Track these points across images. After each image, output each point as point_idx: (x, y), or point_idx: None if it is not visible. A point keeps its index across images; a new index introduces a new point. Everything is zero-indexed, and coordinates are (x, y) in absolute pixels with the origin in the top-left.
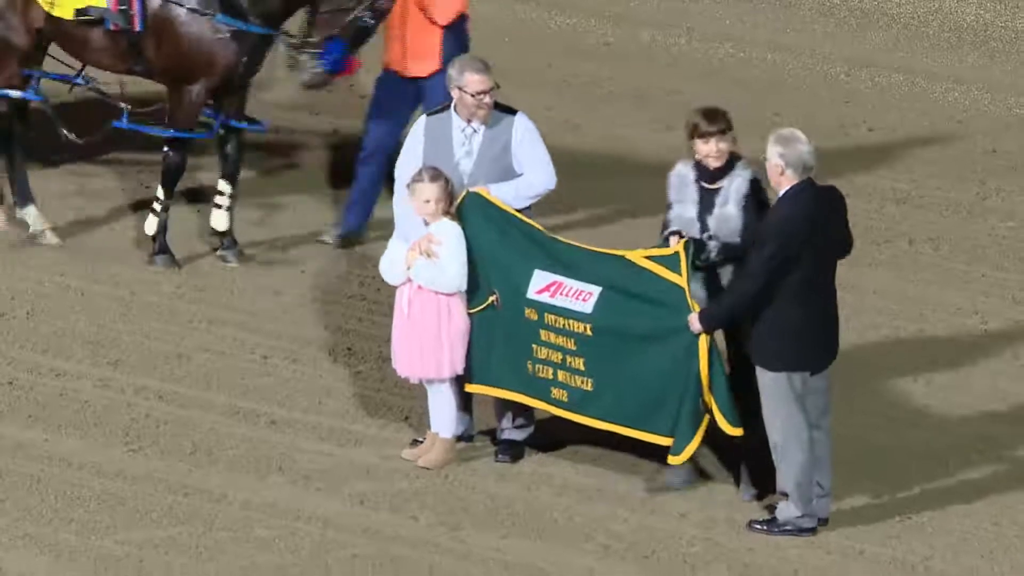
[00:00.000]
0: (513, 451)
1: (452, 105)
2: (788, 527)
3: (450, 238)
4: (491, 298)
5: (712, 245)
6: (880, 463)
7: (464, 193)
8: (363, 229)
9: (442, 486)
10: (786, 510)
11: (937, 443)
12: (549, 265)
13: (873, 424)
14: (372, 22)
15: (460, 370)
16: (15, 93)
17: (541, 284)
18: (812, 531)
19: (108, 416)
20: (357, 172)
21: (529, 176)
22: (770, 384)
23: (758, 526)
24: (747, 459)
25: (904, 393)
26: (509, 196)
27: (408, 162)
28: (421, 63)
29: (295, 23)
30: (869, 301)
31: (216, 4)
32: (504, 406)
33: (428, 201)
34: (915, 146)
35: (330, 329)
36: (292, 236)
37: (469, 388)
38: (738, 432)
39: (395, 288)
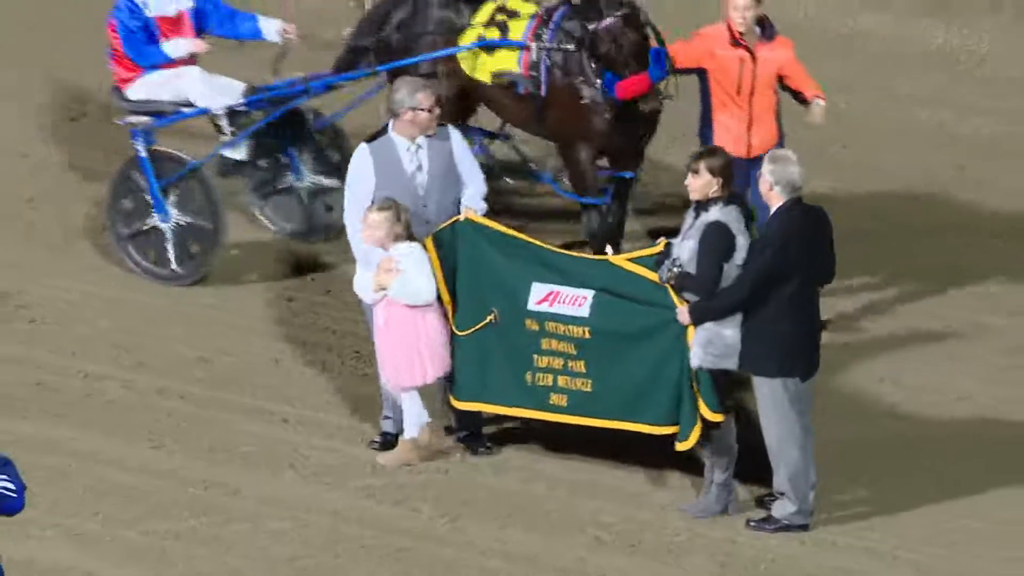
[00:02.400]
0: (484, 443)
1: (389, 128)
2: (784, 523)
3: (410, 257)
4: (490, 316)
5: (674, 269)
6: (851, 459)
7: (453, 220)
8: None
9: (443, 481)
10: (782, 507)
11: (905, 440)
12: (544, 276)
13: (845, 422)
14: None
15: (440, 375)
16: None
17: (540, 295)
18: (806, 527)
19: (131, 415)
20: None
21: (476, 180)
22: (766, 390)
23: (755, 524)
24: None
25: (873, 393)
26: (481, 205)
27: (360, 190)
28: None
29: None
30: (841, 306)
31: (591, 73)
32: (457, 413)
33: (376, 228)
34: (887, 163)
35: (338, 334)
36: (303, 246)
37: (461, 406)
38: (719, 418)
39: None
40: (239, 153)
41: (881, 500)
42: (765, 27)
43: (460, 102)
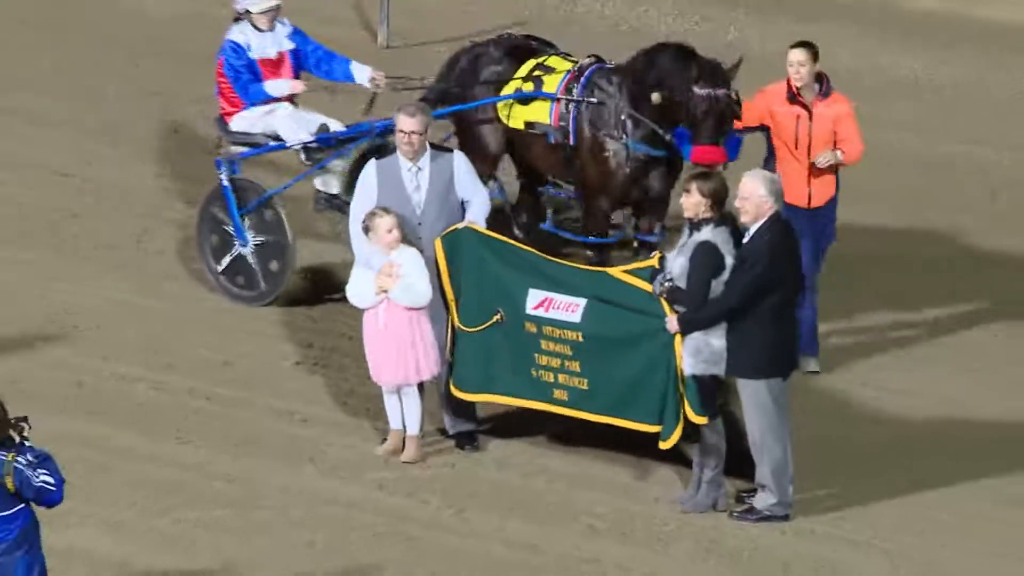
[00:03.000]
0: (474, 441)
1: (397, 149)
2: (766, 514)
3: (412, 260)
4: (496, 316)
5: (666, 283)
6: (831, 456)
7: (456, 227)
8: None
9: (450, 474)
10: (764, 499)
11: (880, 439)
12: (540, 283)
13: (827, 422)
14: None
15: (434, 374)
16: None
17: (536, 301)
18: (786, 517)
19: (163, 414)
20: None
21: (478, 199)
22: (750, 391)
23: (738, 514)
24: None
25: (854, 395)
26: (482, 223)
27: (362, 202)
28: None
29: None
30: (829, 316)
31: (615, 126)
32: (452, 408)
33: (390, 231)
34: (857, 181)
35: (354, 340)
36: (322, 259)
37: (469, 397)
38: (702, 420)
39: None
40: (332, 187)
41: (857, 493)
42: (823, 84)
43: (504, 146)
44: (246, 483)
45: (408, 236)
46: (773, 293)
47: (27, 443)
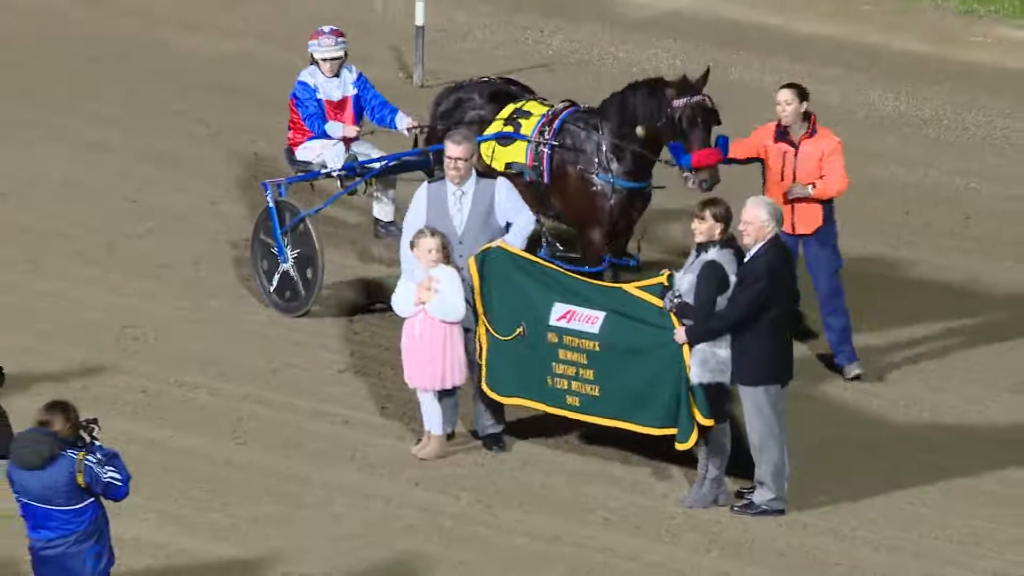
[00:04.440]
0: (500, 442)
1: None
2: (764, 508)
3: (448, 278)
4: (519, 329)
5: (675, 299)
6: (822, 455)
7: (488, 247)
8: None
9: (479, 472)
10: (762, 495)
11: (865, 439)
12: (565, 297)
13: (819, 425)
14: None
15: (458, 384)
16: None
17: (560, 313)
18: (782, 512)
19: (218, 417)
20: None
21: (520, 219)
22: (751, 397)
23: (738, 509)
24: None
25: (846, 401)
26: (519, 243)
27: (412, 220)
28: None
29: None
30: (805, 327)
31: (598, 165)
32: (482, 411)
33: (431, 251)
34: (845, 209)
35: (391, 350)
36: (365, 275)
37: (497, 398)
38: (710, 423)
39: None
40: (386, 214)
41: (845, 490)
42: (811, 122)
43: None
44: (293, 480)
45: (450, 256)
46: (771, 308)
47: (96, 442)
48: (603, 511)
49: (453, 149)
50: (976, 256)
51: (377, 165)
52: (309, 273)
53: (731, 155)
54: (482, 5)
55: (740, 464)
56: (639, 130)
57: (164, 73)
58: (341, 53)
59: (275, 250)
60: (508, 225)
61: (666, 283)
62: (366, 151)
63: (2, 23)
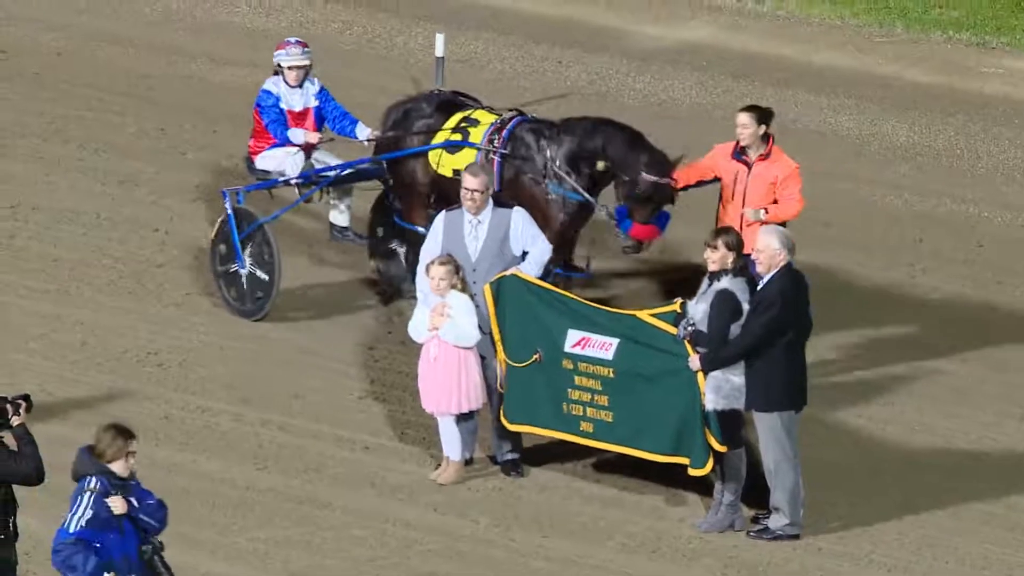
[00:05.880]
0: (518, 467)
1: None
2: (779, 533)
3: (461, 304)
4: (535, 356)
5: (689, 327)
6: (834, 479)
7: (503, 275)
8: None
9: (497, 497)
10: (778, 520)
11: (879, 464)
12: (578, 324)
13: (830, 449)
14: (647, 194)
15: (474, 408)
16: (423, 230)
17: (574, 340)
18: (797, 536)
19: (240, 442)
20: None
21: (536, 248)
22: (766, 423)
23: (754, 534)
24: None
25: (853, 425)
26: (535, 271)
27: (429, 247)
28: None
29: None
30: (819, 353)
31: (551, 176)
32: (499, 437)
33: (435, 279)
34: (861, 237)
35: (410, 376)
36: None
37: (514, 428)
38: (724, 449)
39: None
40: (342, 220)
41: (859, 514)
42: (768, 145)
43: (433, 191)
44: (313, 504)
45: (464, 283)
46: (785, 335)
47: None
48: (621, 535)
49: (470, 181)
50: (989, 284)
51: (332, 173)
52: (266, 278)
53: (683, 183)
54: (501, 37)
55: (756, 489)
56: (600, 164)
57: (194, 108)
58: (307, 62)
59: (233, 256)
60: (524, 254)
61: (679, 311)
62: (325, 159)
63: (34, 62)
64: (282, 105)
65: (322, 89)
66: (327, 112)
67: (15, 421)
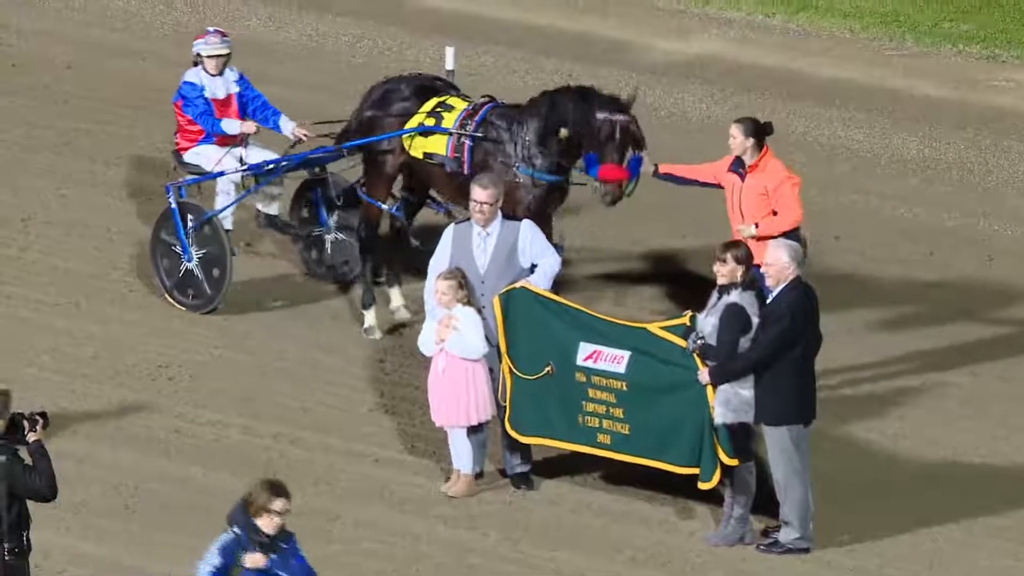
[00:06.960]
0: (528, 481)
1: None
2: (789, 547)
3: (467, 318)
4: (547, 368)
5: (698, 341)
6: (843, 493)
7: (511, 287)
8: None
9: (506, 510)
10: (787, 534)
11: (889, 478)
12: (589, 337)
13: (839, 462)
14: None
15: (484, 420)
16: (384, 207)
17: (586, 353)
18: (807, 550)
19: (250, 456)
20: None
21: (546, 261)
22: (776, 436)
23: (763, 547)
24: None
25: (863, 439)
26: (544, 284)
27: (438, 260)
28: None
29: None
30: (828, 367)
31: (520, 158)
32: (510, 450)
33: (445, 293)
34: (870, 250)
35: (420, 390)
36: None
37: (524, 439)
38: (734, 462)
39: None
40: (272, 209)
41: (869, 527)
42: (759, 157)
43: (402, 171)
44: (323, 517)
45: (472, 296)
46: (794, 348)
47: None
48: (630, 549)
49: (479, 193)
50: (999, 297)
51: (284, 164)
52: (216, 272)
53: (691, 176)
54: (511, 50)
55: (765, 503)
56: (563, 132)
57: None
58: (227, 51)
59: (178, 249)
60: (533, 267)
61: (688, 323)
62: (259, 155)
63: (45, 76)
64: (206, 94)
65: (241, 76)
66: (248, 100)
67: (31, 437)
